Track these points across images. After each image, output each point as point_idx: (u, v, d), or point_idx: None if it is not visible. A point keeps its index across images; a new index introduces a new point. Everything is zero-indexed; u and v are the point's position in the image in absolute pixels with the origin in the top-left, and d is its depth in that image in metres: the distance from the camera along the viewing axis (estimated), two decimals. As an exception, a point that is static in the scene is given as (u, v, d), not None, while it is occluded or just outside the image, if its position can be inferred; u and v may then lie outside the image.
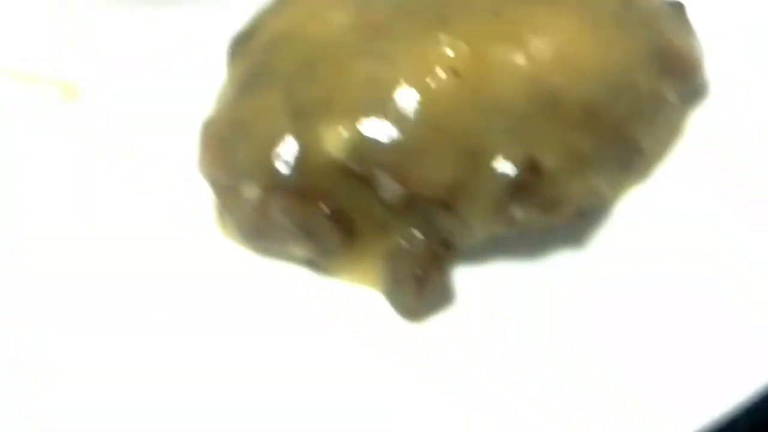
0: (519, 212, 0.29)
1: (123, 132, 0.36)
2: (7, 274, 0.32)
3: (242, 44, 0.34)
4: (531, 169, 0.28)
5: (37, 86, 0.37)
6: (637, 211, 0.31)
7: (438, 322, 0.30)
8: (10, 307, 0.31)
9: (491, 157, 0.29)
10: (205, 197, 0.33)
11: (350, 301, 0.31)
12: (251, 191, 0.30)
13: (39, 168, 0.35)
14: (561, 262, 0.30)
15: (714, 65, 0.33)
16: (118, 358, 0.30)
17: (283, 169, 0.30)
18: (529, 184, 0.29)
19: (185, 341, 0.30)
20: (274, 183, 0.30)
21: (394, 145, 0.29)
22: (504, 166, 0.28)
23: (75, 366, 0.30)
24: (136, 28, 0.39)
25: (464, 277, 0.31)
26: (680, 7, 0.33)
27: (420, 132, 0.29)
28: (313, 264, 0.32)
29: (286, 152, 0.30)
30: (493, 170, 0.29)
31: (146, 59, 0.38)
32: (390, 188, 0.29)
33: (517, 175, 0.28)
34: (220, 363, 0.30)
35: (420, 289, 0.30)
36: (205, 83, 0.34)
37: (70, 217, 0.34)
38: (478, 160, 0.29)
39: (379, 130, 0.29)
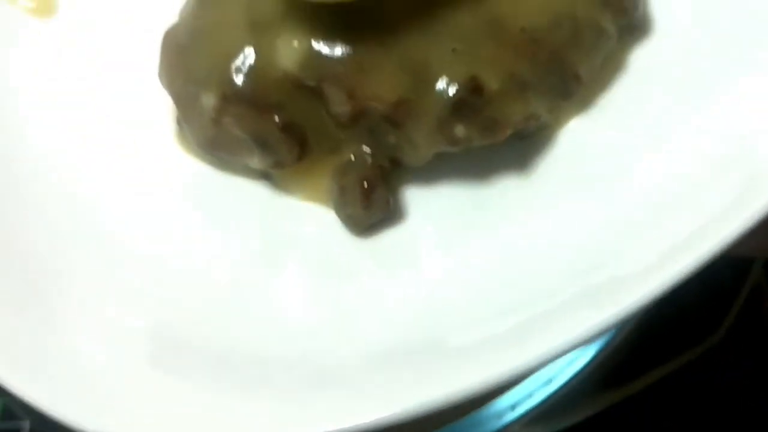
0: (461, 130, 0.30)
1: (93, 45, 0.37)
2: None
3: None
4: (473, 90, 0.30)
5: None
6: (576, 138, 0.32)
7: (382, 236, 0.32)
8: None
9: (436, 76, 0.30)
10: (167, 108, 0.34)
11: (301, 217, 0.32)
12: (208, 100, 0.31)
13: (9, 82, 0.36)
14: (502, 184, 0.32)
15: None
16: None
17: (239, 79, 0.31)
18: (471, 104, 0.30)
19: (138, 257, 0.32)
20: (229, 92, 0.31)
21: (344, 60, 0.30)
22: (448, 85, 0.30)
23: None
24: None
25: (410, 194, 0.32)
26: None
27: (369, 49, 0.30)
28: (267, 177, 0.33)
29: (243, 63, 0.31)
30: (437, 89, 0.30)
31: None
32: (339, 102, 0.30)
33: (460, 94, 0.30)
34: (172, 279, 0.31)
35: (365, 200, 0.31)
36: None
37: (36, 129, 0.35)
38: (423, 78, 0.30)
39: (330, 45, 0.30)
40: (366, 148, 0.31)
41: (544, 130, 0.32)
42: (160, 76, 0.33)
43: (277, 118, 0.31)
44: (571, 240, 0.29)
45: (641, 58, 0.33)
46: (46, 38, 0.37)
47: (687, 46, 0.32)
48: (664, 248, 0.26)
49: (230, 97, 0.31)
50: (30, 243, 0.32)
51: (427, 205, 0.32)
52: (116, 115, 0.35)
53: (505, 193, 0.32)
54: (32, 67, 0.37)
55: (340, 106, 0.31)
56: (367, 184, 0.31)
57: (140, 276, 0.32)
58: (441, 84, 0.30)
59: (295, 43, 0.31)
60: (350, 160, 0.31)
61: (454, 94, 0.30)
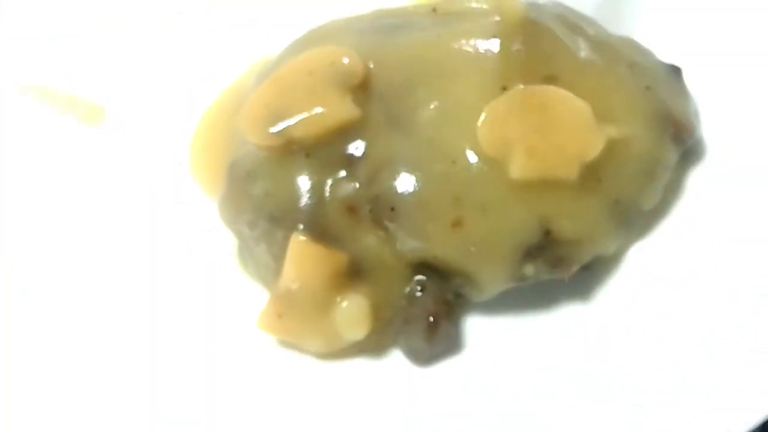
0: (530, 269, 0.30)
1: (146, 158, 0.36)
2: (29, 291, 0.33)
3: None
4: (544, 235, 0.29)
5: (65, 108, 0.37)
6: (637, 265, 0.32)
7: (445, 368, 0.31)
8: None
9: (506, 223, 0.29)
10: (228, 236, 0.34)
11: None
12: (273, 233, 0.31)
13: (61, 187, 0.36)
14: (565, 313, 0.31)
15: (707, 124, 0.34)
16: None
17: (307, 214, 0.30)
18: (541, 245, 0.30)
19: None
20: (294, 225, 0.30)
21: (411, 200, 0.30)
22: (520, 233, 0.29)
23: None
24: (163, 53, 0.39)
25: (473, 326, 0.32)
26: (678, 71, 0.34)
27: (442, 198, 0.30)
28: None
29: (310, 199, 0.30)
30: (509, 236, 0.29)
31: (170, 84, 0.38)
32: (408, 244, 0.30)
33: (532, 241, 0.29)
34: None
35: (431, 334, 0.30)
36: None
37: (88, 236, 0.34)
38: (493, 225, 0.30)
39: (404, 186, 0.30)
40: (430, 284, 0.30)
41: (606, 259, 0.32)
42: (224, 204, 0.32)
43: (342, 256, 0.30)
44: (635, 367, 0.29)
45: (696, 182, 0.33)
46: (95, 145, 0.36)
47: (738, 168, 0.32)
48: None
49: (296, 229, 0.30)
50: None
51: (489, 333, 0.31)
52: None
53: (567, 319, 0.31)
54: (83, 173, 0.36)
55: (410, 247, 0.30)
56: (433, 318, 0.30)
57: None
58: (510, 223, 0.29)
59: (360, 180, 0.30)
60: (415, 293, 0.31)
61: (525, 241, 0.29)
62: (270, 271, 0.31)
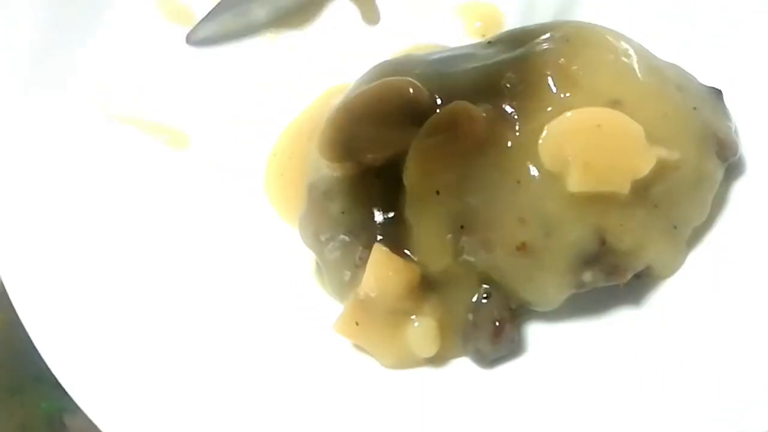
0: (588, 276, 0.32)
1: (227, 182, 0.39)
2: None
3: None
4: (600, 244, 0.32)
5: (150, 133, 0.39)
6: (687, 273, 0.34)
7: (507, 369, 0.33)
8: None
9: (566, 236, 0.32)
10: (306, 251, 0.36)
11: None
12: (352, 250, 0.33)
13: (148, 209, 0.38)
14: (620, 317, 0.33)
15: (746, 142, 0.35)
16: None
17: (384, 230, 0.33)
18: (597, 253, 0.32)
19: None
20: (372, 239, 0.33)
21: (478, 211, 0.32)
22: (578, 243, 0.32)
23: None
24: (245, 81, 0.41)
25: (533, 330, 0.34)
26: (719, 93, 0.36)
27: (508, 220, 0.32)
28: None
29: (384, 214, 0.33)
30: (569, 247, 0.32)
31: (248, 110, 0.41)
32: (475, 251, 0.32)
33: (589, 250, 0.32)
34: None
35: (496, 338, 0.33)
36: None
37: (173, 256, 0.37)
38: (555, 240, 0.32)
39: (472, 207, 0.32)
40: (495, 291, 0.33)
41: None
42: (304, 223, 0.35)
43: (417, 266, 0.32)
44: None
45: (739, 196, 0.35)
46: (179, 168, 0.39)
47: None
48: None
49: (373, 243, 0.33)
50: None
51: (547, 336, 0.34)
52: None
53: (621, 324, 0.33)
54: (168, 196, 0.39)
55: (476, 254, 0.32)
56: (499, 323, 0.33)
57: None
58: (569, 236, 0.32)
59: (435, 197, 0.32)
60: (481, 301, 0.33)
61: (583, 249, 0.32)
62: (346, 285, 0.34)
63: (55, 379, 0.33)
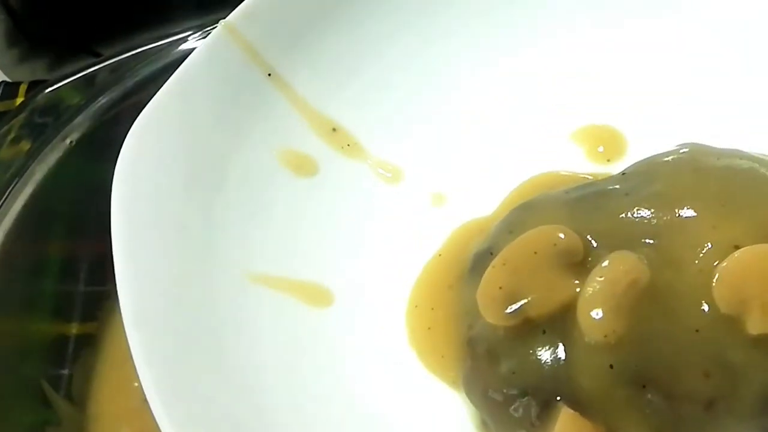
0: (772, 419, 0.31)
1: (372, 339, 0.38)
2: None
3: (484, 261, 0.35)
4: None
5: (294, 293, 0.38)
6: None
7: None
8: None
9: (752, 383, 0.30)
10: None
11: None
12: (527, 408, 0.32)
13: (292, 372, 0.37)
14: None
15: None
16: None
17: (558, 386, 0.31)
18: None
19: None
20: (550, 399, 0.31)
21: (661, 366, 0.31)
22: (764, 387, 0.30)
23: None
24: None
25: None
26: None
27: (692, 375, 0.31)
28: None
29: (560, 370, 0.31)
30: (756, 394, 0.30)
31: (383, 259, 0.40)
32: (659, 410, 0.31)
33: None
34: None
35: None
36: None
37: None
38: (741, 391, 0.30)
39: (651, 362, 0.31)
40: None
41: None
42: (469, 381, 0.34)
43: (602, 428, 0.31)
44: None
45: None
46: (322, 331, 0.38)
47: None
48: None
49: (551, 403, 0.31)
50: None
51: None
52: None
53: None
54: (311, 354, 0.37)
55: (660, 413, 0.31)
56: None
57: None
58: (755, 382, 0.30)
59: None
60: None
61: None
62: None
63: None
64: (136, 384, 0.42)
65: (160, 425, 0.31)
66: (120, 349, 0.45)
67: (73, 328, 0.48)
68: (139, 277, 0.34)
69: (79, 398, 0.45)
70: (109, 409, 0.45)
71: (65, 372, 0.46)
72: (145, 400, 0.42)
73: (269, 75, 0.41)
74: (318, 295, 0.38)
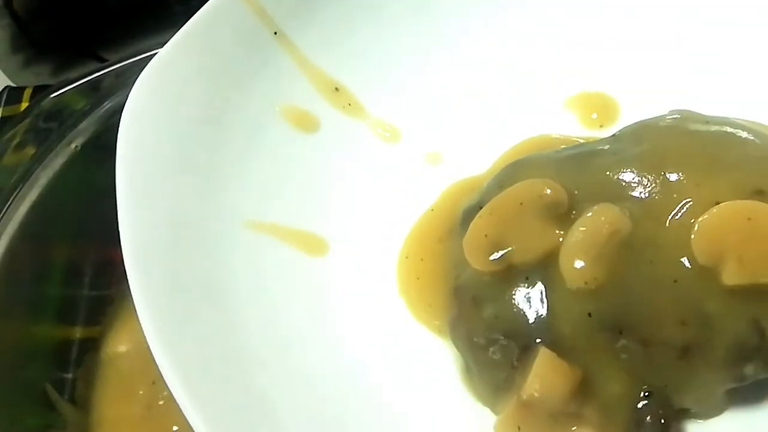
0: (749, 369, 0.32)
1: (364, 287, 0.39)
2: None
3: (473, 215, 0.36)
4: (759, 337, 0.31)
5: (290, 241, 0.39)
6: None
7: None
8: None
9: (726, 332, 0.31)
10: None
11: None
12: (508, 349, 0.33)
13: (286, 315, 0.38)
14: None
15: None
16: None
17: (539, 328, 0.32)
18: (756, 345, 0.31)
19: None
20: (530, 342, 0.32)
21: (637, 310, 0.32)
22: (738, 337, 0.31)
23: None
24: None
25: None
26: None
27: (668, 323, 0.32)
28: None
29: (542, 311, 0.32)
30: (729, 343, 0.31)
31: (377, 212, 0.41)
32: (634, 354, 0.32)
33: (748, 343, 0.31)
34: None
35: (664, 432, 0.32)
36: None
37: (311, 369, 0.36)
38: (715, 339, 0.31)
39: (630, 310, 0.32)
40: (659, 391, 0.32)
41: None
42: (455, 326, 0.35)
43: (578, 370, 0.32)
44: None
45: None
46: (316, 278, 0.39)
47: None
48: None
49: (532, 346, 0.32)
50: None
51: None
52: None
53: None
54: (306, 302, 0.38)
55: (634, 357, 0.32)
56: (665, 420, 0.32)
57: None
58: (729, 332, 0.31)
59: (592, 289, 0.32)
60: (642, 401, 0.32)
61: (743, 341, 0.31)
62: (501, 387, 0.33)
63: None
64: (141, 392, 0.45)
65: (157, 361, 0.32)
66: (124, 353, 0.47)
67: (78, 332, 0.48)
68: (140, 213, 0.35)
69: (82, 402, 0.46)
70: (112, 413, 0.45)
71: (69, 376, 0.46)
72: (148, 405, 0.44)
73: (275, 33, 0.42)
74: (313, 244, 0.39)
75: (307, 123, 0.42)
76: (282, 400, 0.34)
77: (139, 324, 0.33)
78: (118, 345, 0.48)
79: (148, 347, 0.32)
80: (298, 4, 0.43)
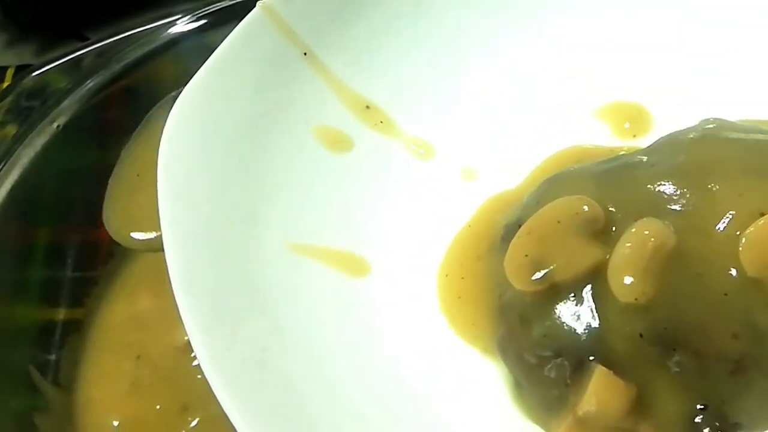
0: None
1: (405, 307, 0.38)
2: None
3: (513, 233, 0.35)
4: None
5: (332, 263, 0.39)
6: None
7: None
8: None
9: None
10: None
11: None
12: (560, 367, 0.33)
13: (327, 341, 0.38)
14: None
15: None
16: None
17: (596, 346, 0.32)
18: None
19: None
20: (584, 357, 0.32)
21: (690, 325, 0.31)
22: None
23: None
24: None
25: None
26: None
27: (720, 339, 0.31)
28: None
29: (595, 333, 0.32)
30: None
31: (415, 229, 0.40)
32: (688, 369, 0.31)
33: None
34: None
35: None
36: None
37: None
38: (761, 336, 0.31)
39: (680, 326, 0.31)
40: (712, 407, 0.32)
41: None
42: (504, 345, 0.35)
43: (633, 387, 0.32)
44: None
45: None
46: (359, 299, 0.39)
47: None
48: None
49: (585, 363, 0.32)
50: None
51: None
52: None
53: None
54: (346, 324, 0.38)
55: (688, 372, 0.31)
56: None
57: None
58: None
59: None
60: (697, 416, 0.32)
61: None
62: (554, 405, 0.33)
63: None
64: (126, 367, 0.44)
65: (208, 379, 0.32)
66: (108, 334, 0.47)
67: (61, 314, 0.47)
68: (184, 244, 0.35)
69: (66, 384, 0.45)
70: (96, 395, 0.45)
71: (53, 358, 0.45)
72: (134, 384, 0.43)
73: (305, 54, 0.42)
74: (355, 265, 0.39)
75: (340, 143, 0.42)
76: (333, 428, 0.34)
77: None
78: (101, 326, 0.47)
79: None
80: (326, 24, 0.42)
